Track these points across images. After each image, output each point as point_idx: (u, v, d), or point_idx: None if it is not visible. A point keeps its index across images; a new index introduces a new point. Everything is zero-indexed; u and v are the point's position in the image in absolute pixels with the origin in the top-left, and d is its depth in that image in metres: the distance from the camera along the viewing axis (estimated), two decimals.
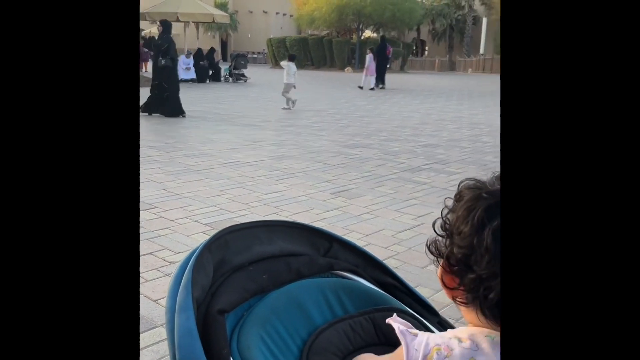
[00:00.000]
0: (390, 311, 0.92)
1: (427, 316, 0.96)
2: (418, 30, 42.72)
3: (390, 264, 2.48)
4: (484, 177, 0.71)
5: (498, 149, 6.51)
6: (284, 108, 9.88)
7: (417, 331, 0.70)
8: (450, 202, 0.71)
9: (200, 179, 4.42)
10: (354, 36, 32.66)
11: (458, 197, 0.70)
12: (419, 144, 6.66)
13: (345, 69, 29.12)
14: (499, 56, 36.26)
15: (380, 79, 16.55)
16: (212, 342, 0.74)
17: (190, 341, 0.70)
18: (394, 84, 18.87)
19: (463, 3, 42.50)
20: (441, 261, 0.70)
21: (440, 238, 0.71)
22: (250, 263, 0.91)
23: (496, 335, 0.65)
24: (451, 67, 40.01)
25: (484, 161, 5.63)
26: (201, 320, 0.77)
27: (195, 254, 0.83)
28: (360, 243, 1.09)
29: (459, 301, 0.69)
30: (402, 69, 32.66)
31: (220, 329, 0.76)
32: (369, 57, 15.84)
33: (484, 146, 6.62)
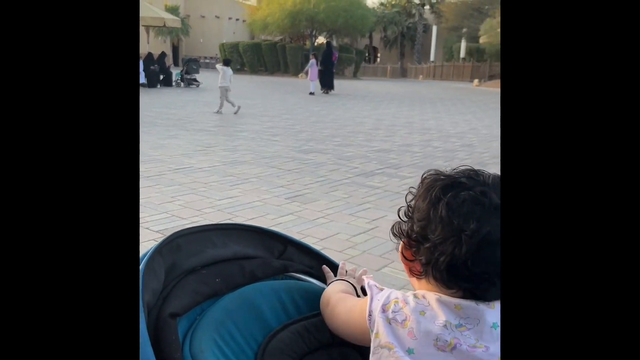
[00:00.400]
0: None
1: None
2: (370, 37, 43.39)
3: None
4: (422, 163, 0.85)
5: (448, 153, 6.69)
6: (217, 112, 9.83)
7: (383, 288, 0.81)
8: (414, 191, 0.82)
9: (151, 186, 4.32)
10: (308, 42, 32.81)
11: (420, 183, 0.81)
12: (372, 149, 6.75)
13: (299, 75, 29.21)
14: (448, 63, 37.33)
15: (327, 84, 16.92)
16: (164, 346, 0.72)
17: (141, 346, 0.68)
18: (347, 90, 19.07)
19: (414, 11, 43.52)
20: (403, 239, 0.80)
21: (402, 222, 0.82)
22: (203, 266, 0.90)
23: (442, 295, 0.76)
24: (403, 73, 40.83)
25: (435, 165, 5.75)
26: (152, 324, 0.75)
27: (145, 258, 0.81)
28: (315, 247, 1.09)
29: (415, 273, 0.79)
30: (355, 76, 33.05)
31: (172, 333, 0.75)
32: (312, 62, 16.37)
33: (435, 151, 6.78)
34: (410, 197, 0.81)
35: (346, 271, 1.05)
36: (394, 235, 0.82)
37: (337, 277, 1.01)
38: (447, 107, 13.91)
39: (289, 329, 0.88)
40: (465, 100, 16.74)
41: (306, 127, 8.64)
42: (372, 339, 0.76)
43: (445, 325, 0.72)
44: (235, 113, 9.78)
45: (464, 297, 0.75)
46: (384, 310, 0.75)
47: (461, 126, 9.60)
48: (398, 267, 2.83)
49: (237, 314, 0.87)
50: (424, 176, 0.81)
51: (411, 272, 0.80)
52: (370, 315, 0.77)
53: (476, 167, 0.80)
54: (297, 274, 1.01)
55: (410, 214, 0.80)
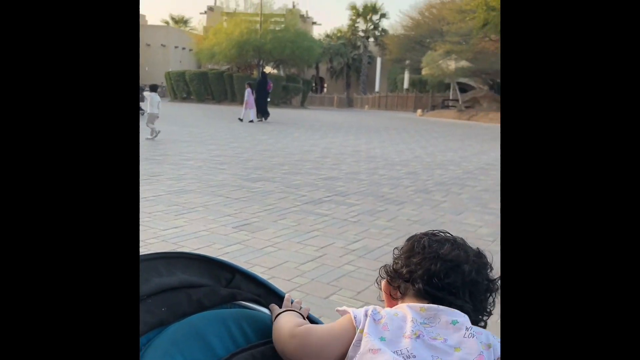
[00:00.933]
0: None
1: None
2: (317, 67, 44.17)
3: (294, 296, 2.47)
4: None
5: (393, 181, 6.84)
6: (148, 138, 9.68)
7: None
8: (395, 250, 1.04)
9: None
10: (255, 72, 33.00)
11: (407, 242, 1.04)
12: (320, 177, 6.81)
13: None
14: (392, 94, 38.40)
15: (261, 112, 17.46)
16: None
17: None
18: (295, 119, 19.24)
19: (359, 43, 44.75)
20: (388, 276, 1.00)
21: (388, 266, 1.01)
22: (149, 295, 0.88)
23: (411, 303, 0.92)
24: (349, 103, 41.64)
25: (381, 192, 5.87)
26: None
27: None
28: (263, 276, 1.10)
29: (394, 296, 0.98)
30: (302, 105, 33.41)
31: None
32: (248, 92, 16.99)
33: (381, 178, 6.92)
34: (396, 251, 1.03)
35: (292, 302, 1.07)
36: (381, 276, 1.03)
37: (284, 309, 1.03)
38: (392, 136, 14.27)
39: (237, 358, 0.87)
40: (409, 129, 17.25)
41: (254, 155, 8.63)
42: (356, 335, 0.88)
43: (412, 321, 0.87)
44: (147, 139, 9.61)
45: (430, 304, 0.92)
46: (366, 313, 0.90)
47: (406, 154, 9.86)
48: (346, 295, 2.85)
49: (184, 344, 0.85)
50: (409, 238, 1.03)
51: (391, 296, 0.99)
52: (355, 318, 0.90)
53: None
54: (245, 302, 1.00)
55: (395, 261, 1.01)
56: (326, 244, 3.76)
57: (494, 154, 10.42)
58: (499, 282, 0.94)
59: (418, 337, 0.85)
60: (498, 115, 23.60)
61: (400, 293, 0.97)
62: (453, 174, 7.60)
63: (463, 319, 0.88)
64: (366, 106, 38.51)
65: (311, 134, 13.56)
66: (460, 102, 28.47)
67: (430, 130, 17.13)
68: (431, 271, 0.92)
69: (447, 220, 4.73)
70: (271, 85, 19.48)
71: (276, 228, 4.14)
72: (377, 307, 0.92)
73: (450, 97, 31.56)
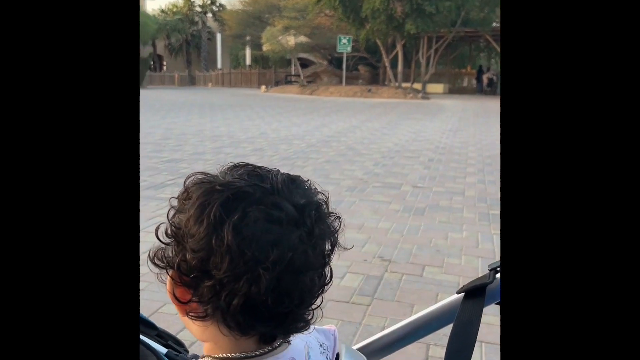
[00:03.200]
0: None
1: (144, 330, 0.93)
2: (154, 44, 41.80)
3: (141, 296, 2.34)
4: (213, 171, 0.61)
5: (240, 159, 6.72)
6: None
7: None
8: (175, 202, 0.60)
9: None
10: None
11: (185, 195, 0.59)
12: (162, 159, 6.51)
13: None
14: (235, 70, 37.96)
15: None
16: None
17: None
18: None
19: (196, 19, 43.25)
20: (170, 272, 0.58)
21: (166, 246, 0.59)
22: None
23: (236, 351, 0.61)
24: (191, 81, 40.30)
25: None
26: None
27: None
28: None
29: (194, 316, 0.59)
30: (140, 85, 31.53)
31: None
32: None
33: (227, 157, 6.85)
34: (172, 212, 0.60)
35: None
36: (155, 264, 0.60)
37: None
38: (237, 113, 14.16)
39: None
40: (254, 105, 17.26)
41: None
42: None
43: None
44: None
45: (260, 340, 0.62)
46: None
47: (251, 131, 9.87)
48: None
49: None
50: (187, 185, 0.59)
51: (188, 315, 0.59)
52: None
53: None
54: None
55: (176, 236, 0.58)
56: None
57: (334, 127, 10.90)
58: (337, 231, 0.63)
59: None
60: (338, 89, 24.71)
61: (204, 312, 0.59)
62: (297, 148, 7.79)
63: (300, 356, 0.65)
64: (209, 84, 37.63)
65: (151, 114, 12.87)
66: (302, 77, 29.18)
67: (275, 106, 17.34)
68: (252, 297, 0.55)
69: None
70: None
71: None
72: None
73: (293, 73, 32.17)
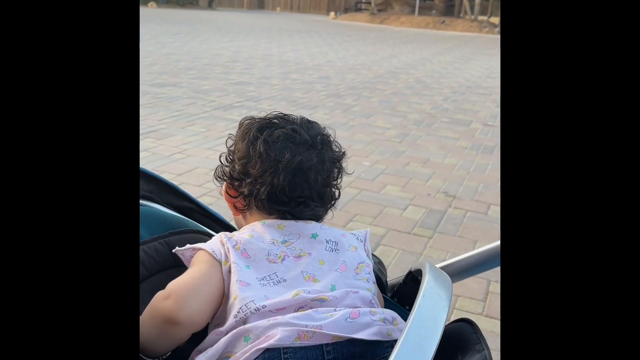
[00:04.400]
0: (186, 233, 0.91)
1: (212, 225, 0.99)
2: None
3: (205, 201, 2.45)
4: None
5: (306, 85, 6.77)
6: None
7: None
8: (232, 136, 0.90)
9: None
10: None
11: (238, 129, 0.89)
12: (230, 81, 6.57)
13: (149, 4, 26.99)
14: None
15: None
16: None
17: None
18: (202, 21, 18.14)
19: None
20: (226, 181, 0.88)
21: (223, 165, 0.89)
22: None
23: (266, 220, 0.85)
24: (260, 4, 39.73)
25: (294, 97, 5.81)
26: None
27: None
28: (173, 182, 1.04)
29: (240, 208, 0.88)
30: (210, 6, 31.44)
31: None
32: None
33: (293, 83, 6.81)
34: (230, 142, 0.90)
35: None
36: (217, 178, 0.90)
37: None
38: (305, 39, 13.93)
39: None
40: (322, 32, 16.89)
41: (158, 59, 8.10)
42: (223, 267, 0.78)
43: (272, 242, 0.81)
44: None
45: (283, 218, 0.85)
46: (222, 244, 0.80)
47: (318, 58, 9.72)
48: None
49: None
50: (241, 122, 0.89)
51: (236, 208, 0.89)
52: (213, 251, 0.79)
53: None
54: None
55: (231, 157, 0.88)
56: None
57: (403, 58, 10.54)
58: (343, 156, 0.89)
59: (283, 259, 0.79)
60: (410, 19, 23.67)
61: (245, 205, 0.87)
62: (364, 78, 7.63)
63: (321, 230, 0.84)
64: (278, 8, 36.99)
65: (220, 37, 12.90)
66: (372, 5, 28.09)
67: (343, 33, 16.90)
68: (275, 186, 0.81)
69: (357, 123, 4.80)
70: None
71: (185, 135, 4.00)
72: (226, 233, 0.83)
73: (363, 0, 31.00)
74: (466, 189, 3.27)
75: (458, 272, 0.81)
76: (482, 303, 2.02)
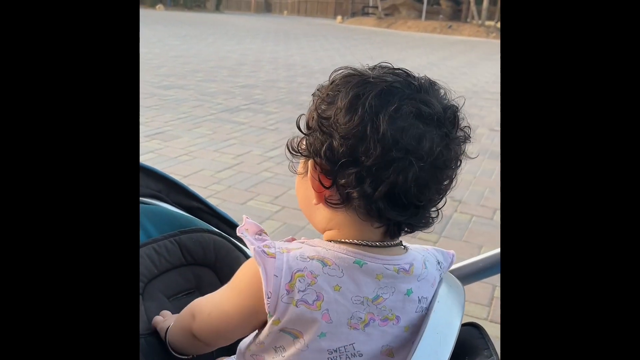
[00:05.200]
0: (196, 232, 0.91)
1: (234, 235, 0.98)
2: None
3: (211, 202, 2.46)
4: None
5: (312, 89, 6.71)
6: None
7: (272, 249, 0.61)
8: (323, 95, 0.62)
9: None
10: None
11: (333, 87, 0.62)
12: (237, 84, 6.59)
13: (156, 7, 27.14)
14: None
15: None
16: None
17: None
18: (209, 24, 18.21)
19: None
20: (316, 159, 0.60)
21: (307, 136, 0.62)
22: None
23: (366, 259, 0.61)
24: (267, 8, 39.90)
25: (300, 101, 5.81)
26: None
27: None
28: (163, 171, 1.04)
29: (331, 203, 0.61)
30: (217, 9, 31.58)
31: None
32: None
33: (300, 86, 6.82)
34: (320, 102, 0.62)
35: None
36: (293, 152, 0.64)
37: (167, 322, 0.81)
38: (311, 43, 13.96)
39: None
40: (328, 36, 16.92)
41: (165, 61, 8.14)
42: (269, 324, 0.61)
43: (362, 302, 0.61)
44: None
45: (389, 233, 0.63)
46: (288, 291, 0.59)
47: (325, 62, 9.73)
48: (263, 200, 2.86)
49: None
50: (338, 76, 0.62)
51: (325, 200, 0.62)
52: (269, 297, 0.59)
53: None
54: (144, 198, 0.96)
55: (325, 129, 0.59)
56: (243, 152, 3.71)
57: (410, 62, 10.54)
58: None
59: (367, 324, 0.61)
60: (417, 23, 23.69)
61: (341, 199, 0.61)
62: None
63: (416, 283, 0.65)
64: (285, 11, 37.12)
65: (227, 39, 12.94)
66: (379, 10, 28.13)
67: (350, 37, 16.92)
68: (398, 185, 0.56)
69: None
70: None
71: (191, 137, 4.01)
72: (301, 266, 0.60)
73: (370, 4, 31.04)
74: (472, 194, 3.26)
75: (462, 277, 0.80)
76: (487, 308, 2.01)
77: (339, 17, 29.09)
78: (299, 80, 7.31)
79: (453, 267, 0.82)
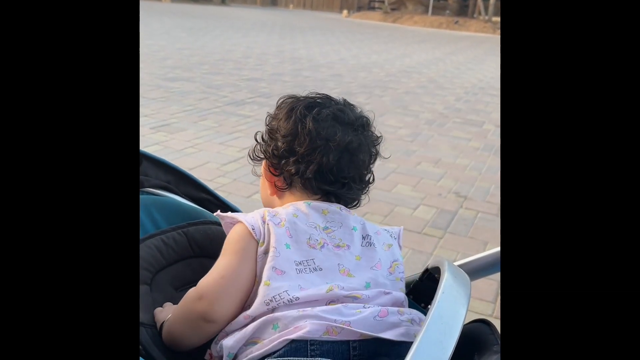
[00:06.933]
0: (204, 224, 0.91)
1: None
2: None
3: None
4: (292, 91, 0.91)
5: (318, 83, 6.75)
6: None
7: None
8: (268, 115, 0.88)
9: None
10: None
11: (277, 107, 0.88)
12: (242, 77, 6.58)
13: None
14: None
15: None
16: None
17: None
18: (215, 17, 18.18)
19: None
20: (267, 159, 0.86)
21: (261, 144, 0.88)
22: None
23: (311, 202, 0.83)
24: (273, 1, 39.76)
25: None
26: None
27: None
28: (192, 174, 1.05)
29: (279, 186, 0.86)
30: (223, 2, 31.51)
31: None
32: None
33: (305, 80, 6.81)
34: (270, 119, 0.88)
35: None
36: (253, 158, 0.90)
37: (166, 314, 0.84)
38: (317, 37, 13.91)
39: (145, 243, 0.84)
40: (334, 30, 16.86)
41: (171, 53, 8.13)
42: (257, 249, 0.77)
43: (315, 227, 0.80)
44: None
45: (327, 201, 0.84)
46: (263, 221, 0.79)
47: (330, 56, 9.70)
48: None
49: None
50: (280, 101, 0.88)
51: (276, 186, 0.86)
52: (253, 229, 0.77)
53: (345, 96, 0.92)
54: (153, 189, 0.96)
55: (273, 136, 0.85)
56: (249, 145, 3.67)
57: (416, 57, 10.50)
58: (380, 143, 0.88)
59: (322, 246, 0.78)
60: (423, 18, 23.57)
61: (287, 184, 0.85)
62: (376, 77, 7.61)
63: (360, 224, 0.83)
64: (291, 5, 37.00)
65: (233, 32, 12.91)
66: (386, 4, 28.00)
67: (356, 31, 16.85)
68: (323, 164, 0.80)
69: None
70: None
71: (196, 129, 4.01)
72: (268, 209, 0.81)
73: None
74: (478, 190, 3.25)
75: (469, 273, 0.80)
76: (492, 305, 2.01)
77: (345, 11, 28.98)
78: (304, 74, 7.29)
79: (457, 263, 0.82)
